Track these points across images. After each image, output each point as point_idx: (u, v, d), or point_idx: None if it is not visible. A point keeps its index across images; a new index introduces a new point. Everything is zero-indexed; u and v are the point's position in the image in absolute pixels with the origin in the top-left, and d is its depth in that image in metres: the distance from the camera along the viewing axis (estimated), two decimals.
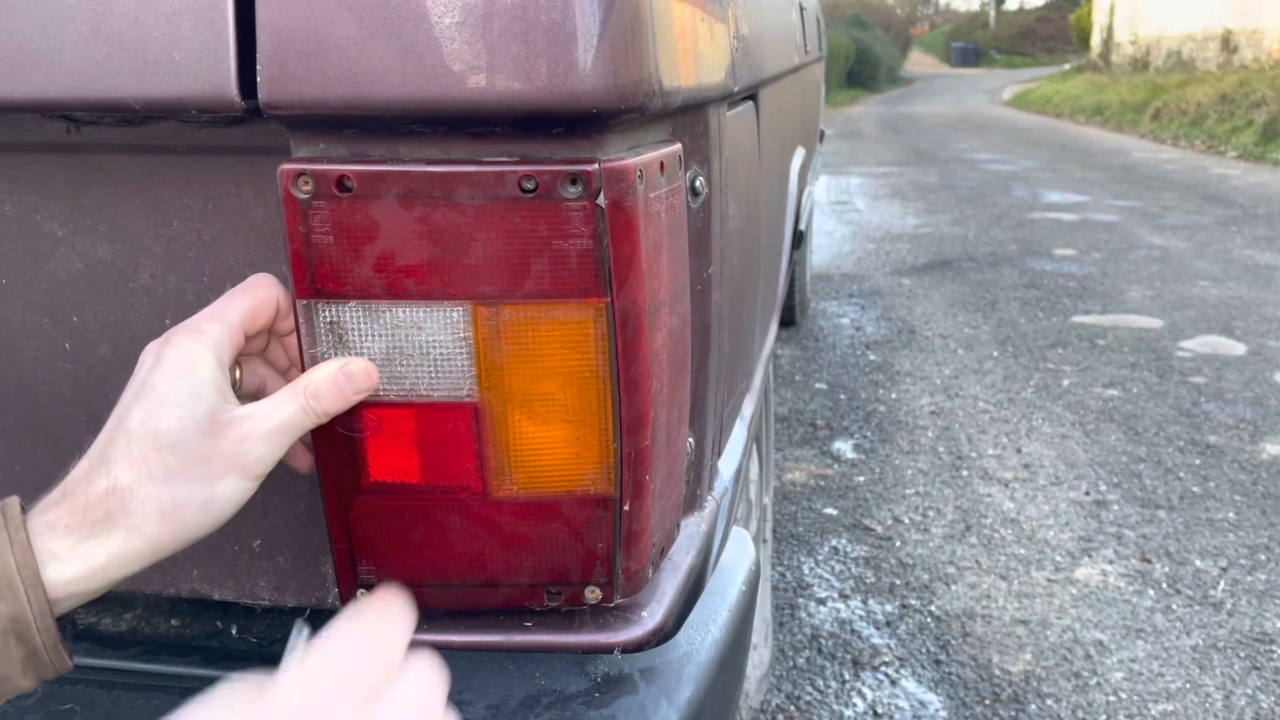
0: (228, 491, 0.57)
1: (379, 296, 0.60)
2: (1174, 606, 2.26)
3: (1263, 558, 2.46)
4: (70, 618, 0.56)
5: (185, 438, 0.55)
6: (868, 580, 2.38)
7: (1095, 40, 22.96)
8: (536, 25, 0.55)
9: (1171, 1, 18.00)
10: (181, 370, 0.56)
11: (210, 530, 0.57)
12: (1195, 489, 2.84)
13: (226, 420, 0.57)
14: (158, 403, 0.55)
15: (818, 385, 3.73)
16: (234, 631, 0.79)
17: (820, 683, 2.01)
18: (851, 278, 5.43)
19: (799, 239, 2.35)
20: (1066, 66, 26.88)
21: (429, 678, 0.50)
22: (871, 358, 4.05)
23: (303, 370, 0.61)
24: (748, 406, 1.18)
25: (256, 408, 0.58)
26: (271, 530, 0.75)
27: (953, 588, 2.34)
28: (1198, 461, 3.01)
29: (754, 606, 0.94)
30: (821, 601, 2.30)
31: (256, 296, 0.61)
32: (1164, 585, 2.35)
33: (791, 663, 2.07)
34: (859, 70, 25.81)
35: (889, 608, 2.27)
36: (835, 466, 3.02)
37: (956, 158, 10.89)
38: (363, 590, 0.68)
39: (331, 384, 0.60)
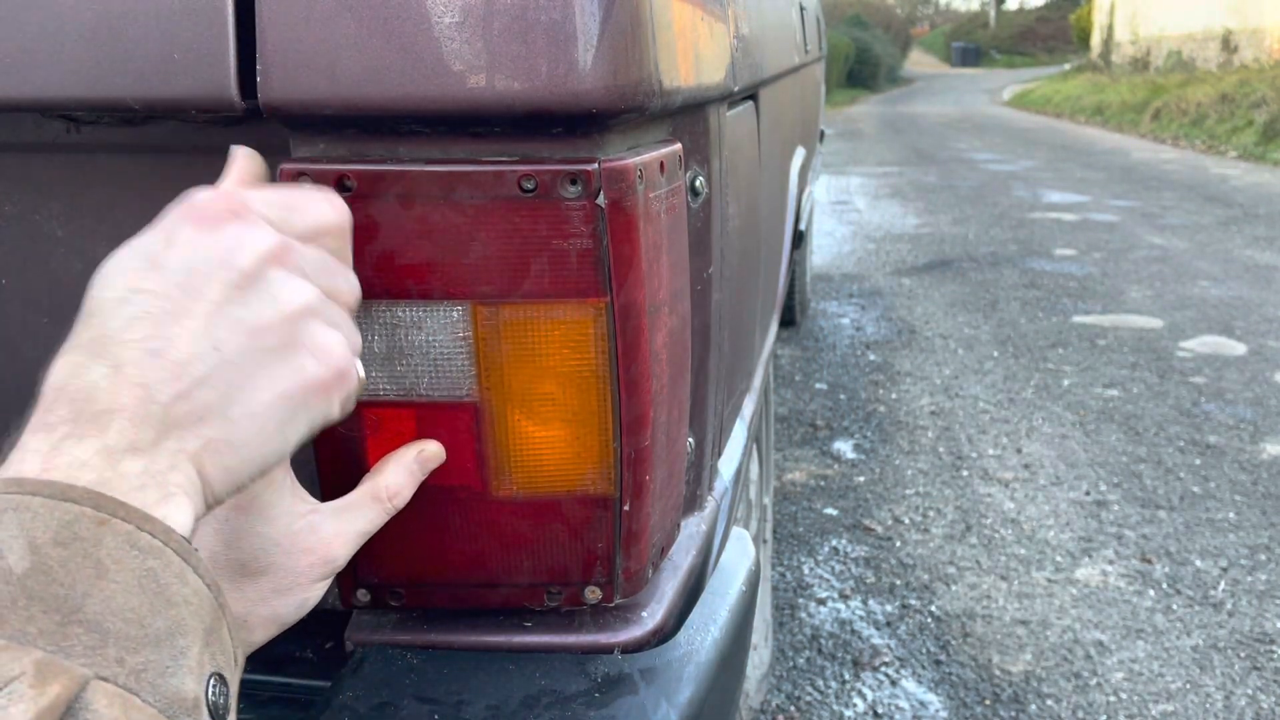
0: (318, 592, 0.60)
1: (379, 296, 0.60)
2: (1174, 607, 2.26)
3: (1263, 558, 2.46)
4: None
5: (271, 561, 0.57)
6: (868, 580, 2.38)
7: (1095, 40, 22.98)
8: (536, 25, 0.55)
9: (1172, 1, 18.00)
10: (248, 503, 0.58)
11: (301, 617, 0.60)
12: (1195, 489, 2.83)
13: (307, 543, 0.58)
14: (234, 534, 0.57)
15: (818, 385, 3.73)
16: None
17: (820, 683, 2.01)
18: (852, 278, 5.43)
19: (799, 239, 2.35)
20: (1067, 66, 26.89)
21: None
22: (872, 358, 4.05)
23: None
24: (748, 406, 1.18)
25: (336, 522, 0.59)
26: None
27: (953, 588, 2.34)
28: (1198, 461, 3.01)
29: (754, 607, 0.94)
30: (822, 602, 2.30)
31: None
32: (1164, 585, 2.35)
33: (792, 663, 2.07)
34: (859, 70, 25.82)
35: (889, 608, 2.27)
36: (835, 467, 3.02)
37: (957, 157, 10.89)
38: (363, 591, 0.68)
39: (409, 479, 0.62)
